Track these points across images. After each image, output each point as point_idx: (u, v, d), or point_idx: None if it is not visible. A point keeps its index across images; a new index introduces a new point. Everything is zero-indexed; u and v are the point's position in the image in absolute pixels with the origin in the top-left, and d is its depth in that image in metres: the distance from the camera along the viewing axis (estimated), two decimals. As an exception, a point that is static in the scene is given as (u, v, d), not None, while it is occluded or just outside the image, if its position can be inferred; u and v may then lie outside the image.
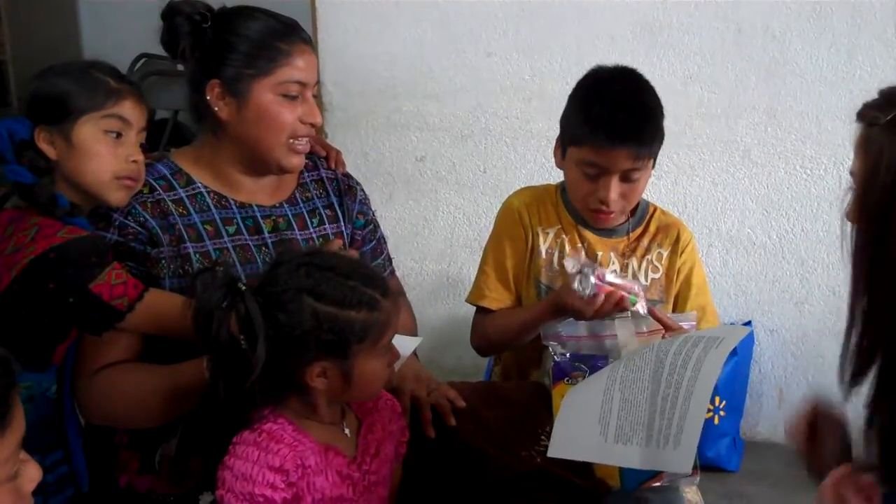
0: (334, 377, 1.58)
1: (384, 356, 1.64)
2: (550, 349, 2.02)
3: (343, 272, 1.59)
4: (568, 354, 2.00)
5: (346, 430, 1.68)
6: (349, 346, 1.56)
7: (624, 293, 1.94)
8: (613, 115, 2.01)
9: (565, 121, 2.15)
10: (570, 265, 1.97)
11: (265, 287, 1.57)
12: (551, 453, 1.76)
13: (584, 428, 1.77)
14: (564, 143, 2.13)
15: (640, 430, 1.70)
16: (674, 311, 2.18)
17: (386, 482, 1.73)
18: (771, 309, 3.30)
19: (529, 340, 2.14)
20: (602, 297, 1.93)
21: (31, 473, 1.20)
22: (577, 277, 1.94)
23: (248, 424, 1.59)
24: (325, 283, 1.56)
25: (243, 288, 1.54)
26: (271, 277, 1.58)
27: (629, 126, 2.02)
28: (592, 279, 1.93)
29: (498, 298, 2.22)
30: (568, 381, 1.98)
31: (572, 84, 2.17)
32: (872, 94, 2.95)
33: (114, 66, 1.92)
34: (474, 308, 2.28)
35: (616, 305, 1.94)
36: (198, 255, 1.94)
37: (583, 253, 2.13)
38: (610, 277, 1.95)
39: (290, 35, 1.97)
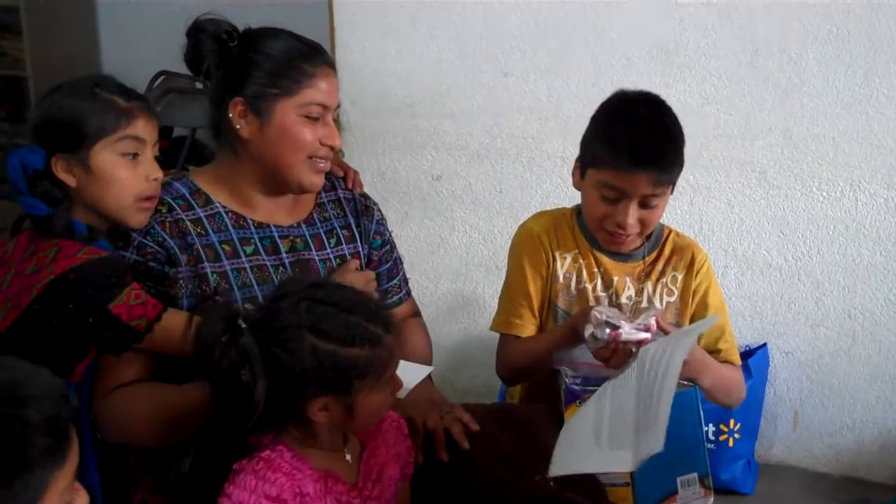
0: (336, 411, 1.57)
1: (387, 388, 1.63)
2: (562, 372, 2.01)
3: (345, 307, 1.57)
4: (580, 378, 2.00)
5: (348, 456, 1.67)
6: (351, 383, 1.55)
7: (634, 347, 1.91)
8: (636, 140, 2.01)
9: (586, 142, 2.14)
10: (590, 330, 1.94)
11: (266, 322, 1.55)
12: (552, 472, 1.74)
13: (581, 441, 1.77)
14: (584, 165, 2.12)
15: (630, 431, 1.70)
16: None
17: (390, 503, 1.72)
18: (786, 331, 3.29)
19: None
20: (611, 348, 1.90)
21: (82, 501, 1.23)
22: (593, 331, 1.93)
23: (248, 451, 1.58)
24: (327, 319, 1.54)
25: (243, 326, 1.53)
26: (272, 311, 1.57)
27: (652, 151, 2.02)
28: (606, 333, 1.92)
29: (524, 325, 2.21)
30: (579, 403, 1.98)
31: (589, 105, 2.17)
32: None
33: (119, 82, 1.90)
34: (489, 329, 2.27)
35: (628, 356, 1.90)
36: (215, 276, 1.95)
37: (604, 315, 1.98)
38: (626, 335, 1.91)
39: (315, 57, 1.99)
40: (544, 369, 2.10)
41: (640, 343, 1.89)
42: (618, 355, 1.91)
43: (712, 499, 1.95)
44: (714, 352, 2.16)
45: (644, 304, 2.16)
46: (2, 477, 1.05)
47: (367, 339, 1.56)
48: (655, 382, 1.71)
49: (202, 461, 1.68)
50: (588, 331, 1.92)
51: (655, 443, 1.61)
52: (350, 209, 2.20)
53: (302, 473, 1.57)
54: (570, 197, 2.26)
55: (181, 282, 1.91)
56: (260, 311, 1.58)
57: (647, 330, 1.90)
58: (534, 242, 2.20)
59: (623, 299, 2.16)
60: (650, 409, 1.68)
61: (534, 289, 2.19)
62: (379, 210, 2.27)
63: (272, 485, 1.53)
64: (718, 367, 2.11)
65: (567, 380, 1.99)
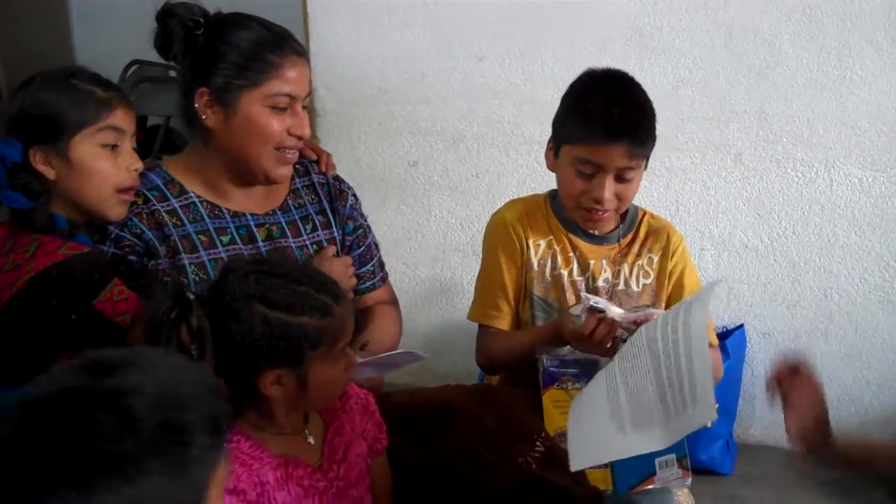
0: (289, 385, 1.56)
1: (340, 362, 1.62)
2: (540, 358, 2.02)
3: (293, 278, 1.57)
4: (557, 361, 2.00)
5: (310, 438, 1.66)
6: (303, 353, 1.54)
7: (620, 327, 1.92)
8: (609, 111, 2.02)
9: (559, 120, 2.14)
10: (580, 309, 1.94)
11: (215, 296, 1.55)
12: (574, 467, 1.73)
13: (599, 432, 1.75)
14: (558, 143, 2.12)
15: (656, 410, 1.68)
16: None
17: (360, 482, 1.71)
18: (763, 312, 3.30)
19: None
20: (595, 317, 1.91)
21: None
22: (581, 311, 1.93)
23: None
24: (276, 289, 1.54)
25: (191, 297, 1.52)
26: (221, 286, 1.57)
27: (625, 122, 2.02)
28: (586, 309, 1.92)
29: (500, 316, 2.20)
30: (557, 386, 1.99)
31: (564, 88, 2.17)
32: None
33: (95, 73, 1.88)
34: (467, 319, 2.27)
35: (609, 334, 1.91)
36: (193, 267, 1.93)
37: (591, 300, 1.97)
38: (615, 315, 1.92)
39: (282, 46, 1.97)
40: (524, 364, 2.09)
41: (634, 322, 1.89)
42: (605, 331, 1.91)
43: (690, 479, 1.96)
44: None
45: (621, 286, 2.16)
46: (169, 477, 1.06)
47: (316, 308, 1.56)
48: (680, 359, 1.68)
49: None
50: (574, 311, 1.94)
51: (706, 415, 1.61)
52: (324, 193, 2.19)
53: (260, 462, 1.56)
54: (547, 181, 2.26)
55: (160, 274, 1.90)
56: (208, 289, 1.59)
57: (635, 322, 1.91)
58: (507, 231, 2.20)
59: (600, 282, 2.16)
60: (683, 382, 1.65)
61: (509, 278, 2.19)
62: (353, 195, 2.25)
63: (230, 477, 1.52)
64: None
65: (545, 362, 2.00)
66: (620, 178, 2.05)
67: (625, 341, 1.88)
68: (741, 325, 3.30)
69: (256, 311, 1.52)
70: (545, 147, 2.19)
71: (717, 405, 1.70)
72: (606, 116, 2.01)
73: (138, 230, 1.93)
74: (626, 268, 2.18)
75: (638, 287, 2.17)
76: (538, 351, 2.03)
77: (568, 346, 2.02)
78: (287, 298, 1.54)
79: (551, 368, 2.00)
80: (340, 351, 1.61)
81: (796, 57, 3.05)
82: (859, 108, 3.03)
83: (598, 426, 1.75)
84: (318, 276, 1.64)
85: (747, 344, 3.31)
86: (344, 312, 1.60)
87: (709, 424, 1.70)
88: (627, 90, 2.10)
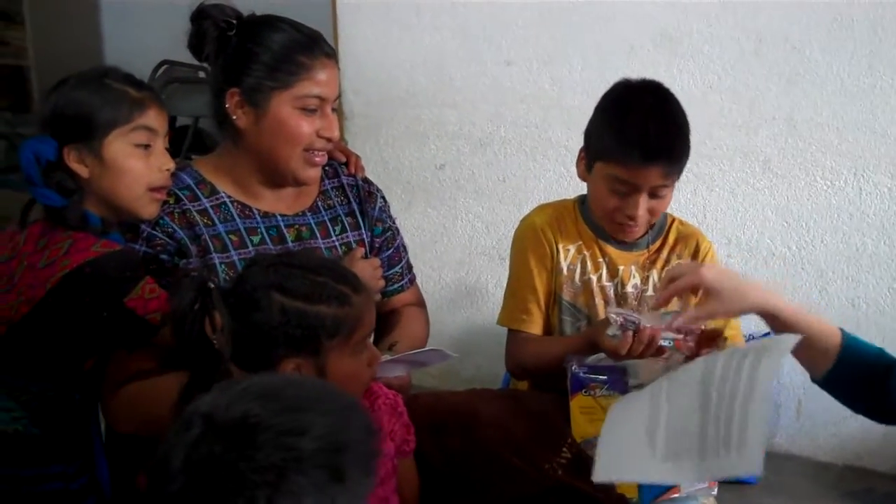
0: (309, 374, 1.58)
1: (360, 354, 1.63)
2: (568, 364, 2.02)
3: (312, 268, 1.60)
4: (586, 367, 2.00)
5: None
6: (320, 342, 1.57)
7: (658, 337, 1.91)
8: (646, 133, 2.00)
9: (593, 134, 2.13)
10: (613, 319, 1.93)
11: (237, 287, 1.59)
12: (598, 478, 1.68)
13: (631, 447, 1.69)
14: (591, 157, 2.11)
15: (694, 442, 1.64)
16: None
17: (386, 482, 1.71)
18: (790, 320, 3.29)
19: None
20: (630, 335, 1.89)
21: None
22: (614, 326, 1.93)
23: None
24: (294, 278, 1.58)
25: (211, 286, 1.54)
26: (243, 278, 1.61)
27: (662, 144, 2.02)
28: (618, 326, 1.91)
29: (531, 321, 2.19)
30: (585, 392, 1.98)
31: (592, 93, 2.16)
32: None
33: (128, 73, 1.90)
34: (496, 324, 2.26)
35: (649, 347, 1.90)
36: (223, 266, 1.95)
37: (621, 317, 1.97)
38: (647, 323, 1.91)
39: (313, 48, 1.98)
40: (554, 371, 2.08)
41: (677, 330, 1.88)
42: (643, 346, 1.89)
43: (716, 488, 1.95)
44: (721, 338, 2.16)
45: (650, 291, 2.16)
46: None
47: (334, 297, 1.58)
48: (735, 401, 1.64)
49: None
50: (611, 331, 1.93)
51: (748, 464, 1.54)
52: (353, 195, 2.20)
53: None
54: (574, 185, 2.26)
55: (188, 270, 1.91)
56: (233, 281, 1.63)
57: (668, 328, 1.90)
58: (536, 235, 2.20)
59: (629, 288, 2.16)
60: (732, 427, 1.60)
61: (539, 282, 2.18)
62: (382, 197, 2.26)
63: None
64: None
65: (573, 368, 1.99)
66: (654, 195, 2.05)
67: (670, 346, 1.88)
68: (767, 333, 3.27)
69: (275, 300, 1.56)
70: (574, 153, 2.19)
71: (761, 462, 1.68)
72: (643, 138, 2.00)
73: (170, 229, 1.94)
74: (654, 273, 2.18)
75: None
76: (567, 358, 2.03)
77: (600, 353, 2.01)
78: (304, 287, 1.57)
79: (580, 374, 1.99)
80: (359, 342, 1.63)
81: (826, 64, 3.03)
82: (889, 116, 3.01)
83: (631, 441, 1.71)
84: (337, 267, 1.67)
85: (773, 352, 3.29)
86: (363, 303, 1.62)
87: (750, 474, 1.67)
88: (664, 106, 2.08)
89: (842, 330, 1.80)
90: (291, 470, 1.10)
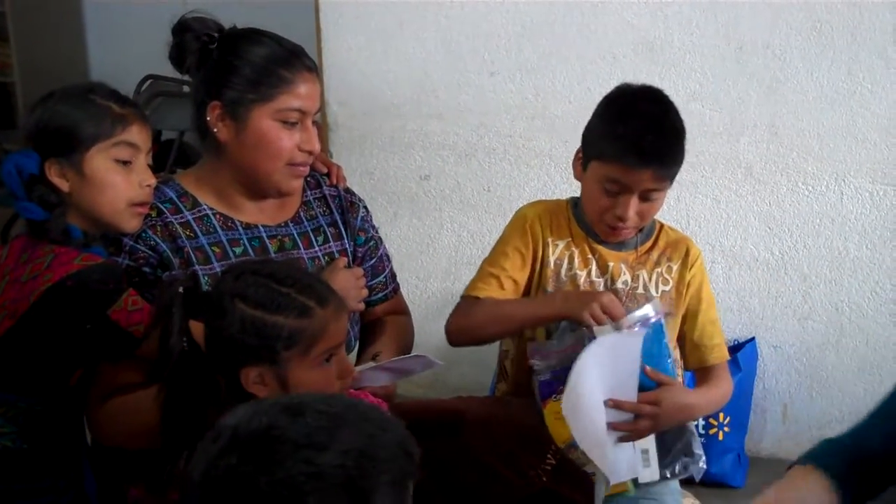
0: (272, 384, 1.58)
1: (324, 367, 1.63)
2: (534, 367, 2.03)
3: (279, 279, 1.60)
4: (549, 373, 2.01)
5: None
6: (276, 352, 1.57)
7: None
8: (643, 137, 2.03)
9: (591, 135, 2.15)
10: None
11: (209, 294, 1.61)
12: (615, 480, 1.76)
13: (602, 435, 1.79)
14: (587, 157, 2.14)
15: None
16: (683, 325, 2.21)
17: None
18: (774, 325, 3.30)
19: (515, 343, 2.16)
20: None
21: None
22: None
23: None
24: (256, 287, 1.58)
25: (180, 291, 1.57)
26: (216, 285, 1.63)
27: (658, 148, 2.04)
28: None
29: (487, 288, 2.18)
30: (555, 397, 1.99)
31: (575, 102, 2.19)
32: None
33: (113, 88, 1.91)
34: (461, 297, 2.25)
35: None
36: (207, 278, 1.95)
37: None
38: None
39: (294, 62, 1.99)
40: (500, 337, 2.12)
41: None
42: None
43: (704, 459, 2.00)
44: (706, 347, 2.18)
45: (640, 290, 2.18)
46: None
47: (294, 308, 1.58)
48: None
49: (168, 445, 1.67)
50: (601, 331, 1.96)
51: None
52: (335, 206, 2.21)
53: None
54: (558, 194, 2.28)
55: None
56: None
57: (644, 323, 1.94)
58: (523, 225, 2.21)
59: (619, 284, 2.18)
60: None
61: (510, 265, 2.17)
62: (364, 207, 2.27)
63: None
64: (700, 394, 2.17)
65: (540, 377, 2.01)
66: (645, 198, 2.07)
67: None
68: (752, 339, 3.30)
69: (237, 308, 1.57)
70: (558, 162, 2.21)
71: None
72: (640, 140, 2.03)
73: (152, 242, 1.95)
74: (644, 273, 2.19)
75: (657, 292, 2.18)
76: (529, 354, 2.05)
77: (555, 339, 2.04)
78: (265, 297, 1.58)
79: (545, 380, 2.00)
80: (321, 355, 1.62)
81: (806, 71, 3.06)
82: (869, 121, 3.04)
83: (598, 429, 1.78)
84: (306, 279, 1.66)
85: (759, 357, 3.31)
86: (327, 316, 1.62)
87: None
88: (662, 113, 2.11)
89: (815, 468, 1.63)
90: (309, 486, 1.06)
